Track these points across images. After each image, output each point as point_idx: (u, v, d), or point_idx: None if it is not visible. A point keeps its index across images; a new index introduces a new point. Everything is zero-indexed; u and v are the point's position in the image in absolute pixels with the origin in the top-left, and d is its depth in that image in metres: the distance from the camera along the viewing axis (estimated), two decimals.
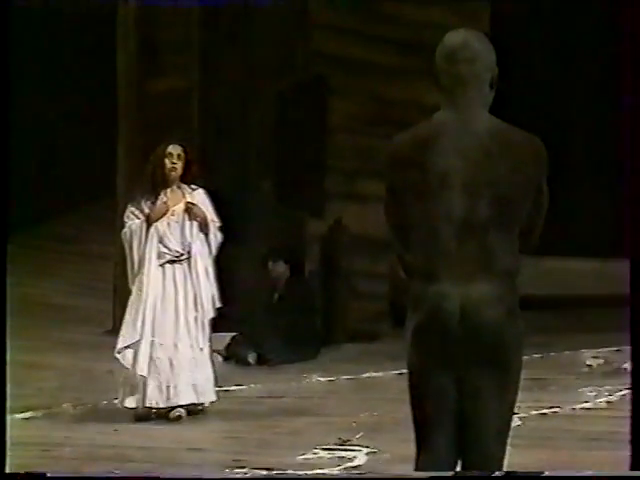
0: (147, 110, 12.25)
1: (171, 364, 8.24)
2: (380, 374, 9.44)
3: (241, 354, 10.61)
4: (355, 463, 6.92)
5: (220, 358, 10.58)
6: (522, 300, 4.14)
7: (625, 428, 7.44)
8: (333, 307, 11.57)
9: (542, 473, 4.81)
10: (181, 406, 8.22)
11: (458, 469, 4.16)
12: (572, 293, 12.52)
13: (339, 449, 7.21)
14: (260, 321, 10.63)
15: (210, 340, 8.43)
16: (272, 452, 7.29)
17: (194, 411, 8.30)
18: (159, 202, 8.39)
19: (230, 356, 10.70)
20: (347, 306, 11.66)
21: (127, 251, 8.50)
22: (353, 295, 11.70)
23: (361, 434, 7.50)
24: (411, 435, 4.19)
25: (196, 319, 8.32)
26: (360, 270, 11.66)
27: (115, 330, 11.78)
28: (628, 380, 8.80)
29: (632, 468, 4.42)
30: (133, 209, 8.47)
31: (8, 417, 8.46)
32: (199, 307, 8.34)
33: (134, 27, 12.30)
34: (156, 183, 8.42)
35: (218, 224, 8.46)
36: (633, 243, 4.07)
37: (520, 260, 4.14)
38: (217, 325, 10.42)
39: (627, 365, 9.29)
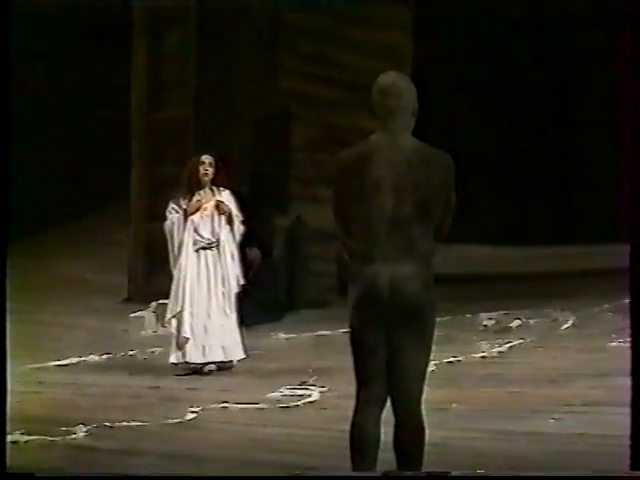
0: (154, 134, 12.20)
1: (205, 329, 7.95)
2: (330, 332, 9.43)
3: None
4: (311, 399, 6.91)
5: None
6: (436, 277, 4.15)
7: (509, 371, 7.49)
8: (294, 282, 11.55)
9: (448, 473, 4.46)
10: (213, 362, 7.98)
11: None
12: (472, 271, 12.57)
13: (299, 388, 7.19)
14: (238, 292, 10.58)
15: (236, 310, 8.09)
16: (248, 390, 7.28)
17: (224, 367, 8.04)
18: (194, 200, 8.08)
19: None
20: (305, 281, 11.65)
21: (168, 239, 8.14)
22: (309, 273, 11.69)
23: (315, 377, 7.49)
24: (352, 378, 4.19)
25: (223, 293, 8.02)
26: (315, 254, 11.66)
27: (129, 299, 11.79)
28: (513, 335, 8.86)
29: (632, 468, 4.03)
30: (173, 205, 8.12)
31: (51, 363, 8.51)
32: (226, 284, 8.04)
33: (145, 70, 12.25)
34: (191, 185, 8.09)
35: (241, 218, 8.17)
36: (633, 228, 3.92)
37: (435, 246, 4.15)
38: None
39: (512, 324, 9.33)
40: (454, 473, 4.16)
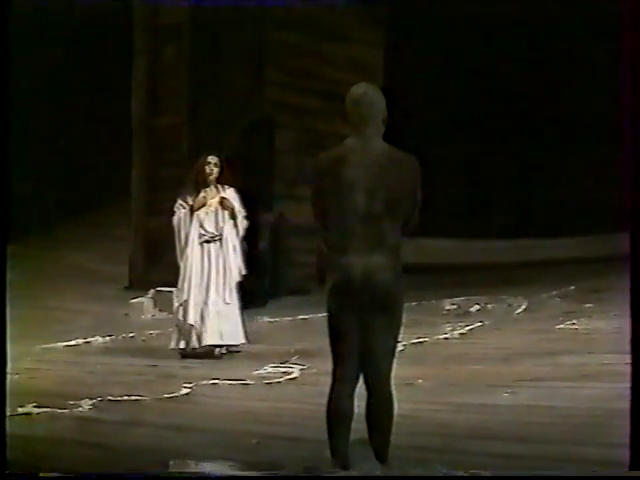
0: (152, 139, 12.16)
1: (202, 317, 7.69)
2: (309, 316, 9.42)
3: None
4: (292, 376, 6.88)
5: None
6: (404, 267, 4.14)
7: (469, 350, 7.50)
8: (278, 271, 11.53)
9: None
10: (223, 346, 7.73)
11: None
12: (436, 262, 12.59)
13: (281, 366, 7.16)
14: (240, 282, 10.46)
15: (237, 298, 7.81)
16: (236, 368, 7.25)
17: (231, 350, 7.79)
18: (200, 197, 7.81)
19: None
20: (287, 271, 11.64)
21: (176, 232, 7.87)
22: (291, 263, 11.67)
23: (296, 356, 7.47)
24: (329, 357, 4.18)
25: (225, 283, 7.74)
26: (296, 247, 11.63)
27: (130, 287, 11.76)
28: (472, 319, 8.88)
29: (632, 468, 3.80)
30: (181, 202, 7.85)
31: (60, 344, 8.47)
32: (228, 273, 7.76)
33: (144, 80, 12.21)
34: (198, 183, 7.84)
35: (244, 214, 7.92)
36: (633, 217, 3.85)
37: (403, 239, 4.15)
38: None
39: (472, 309, 9.35)
40: (455, 473, 4.13)
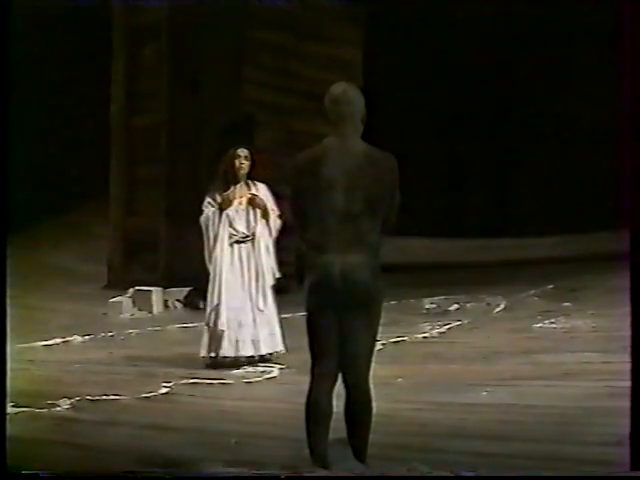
0: (131, 138, 12.12)
1: (239, 323, 7.08)
2: (289, 315, 9.38)
3: (195, 302, 10.46)
4: (272, 375, 6.87)
5: (179, 305, 10.47)
6: (383, 266, 4.14)
7: (448, 349, 7.51)
8: None
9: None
10: (253, 357, 7.12)
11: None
12: (416, 261, 12.61)
13: (261, 366, 7.12)
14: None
15: (273, 303, 7.20)
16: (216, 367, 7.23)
17: (264, 359, 7.17)
18: (229, 194, 7.18)
19: (188, 303, 10.54)
20: None
21: (204, 232, 7.21)
22: None
23: (276, 355, 7.44)
24: (308, 356, 4.17)
25: (257, 287, 7.13)
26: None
27: (108, 286, 11.70)
28: (451, 318, 8.89)
29: (632, 468, 3.72)
30: (209, 200, 7.20)
31: (39, 344, 8.41)
32: (260, 277, 7.14)
33: (123, 80, 12.16)
34: (227, 179, 7.21)
35: (277, 212, 7.23)
36: (633, 214, 3.79)
37: (381, 238, 4.14)
38: (182, 283, 10.25)
39: (451, 308, 9.35)
40: (434, 472, 4.13)
